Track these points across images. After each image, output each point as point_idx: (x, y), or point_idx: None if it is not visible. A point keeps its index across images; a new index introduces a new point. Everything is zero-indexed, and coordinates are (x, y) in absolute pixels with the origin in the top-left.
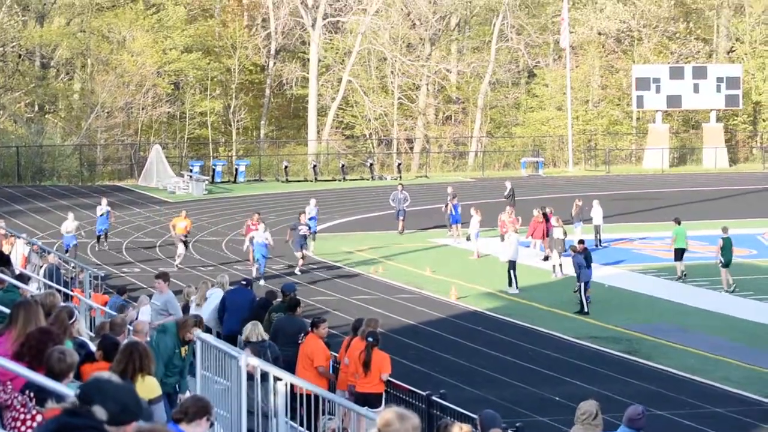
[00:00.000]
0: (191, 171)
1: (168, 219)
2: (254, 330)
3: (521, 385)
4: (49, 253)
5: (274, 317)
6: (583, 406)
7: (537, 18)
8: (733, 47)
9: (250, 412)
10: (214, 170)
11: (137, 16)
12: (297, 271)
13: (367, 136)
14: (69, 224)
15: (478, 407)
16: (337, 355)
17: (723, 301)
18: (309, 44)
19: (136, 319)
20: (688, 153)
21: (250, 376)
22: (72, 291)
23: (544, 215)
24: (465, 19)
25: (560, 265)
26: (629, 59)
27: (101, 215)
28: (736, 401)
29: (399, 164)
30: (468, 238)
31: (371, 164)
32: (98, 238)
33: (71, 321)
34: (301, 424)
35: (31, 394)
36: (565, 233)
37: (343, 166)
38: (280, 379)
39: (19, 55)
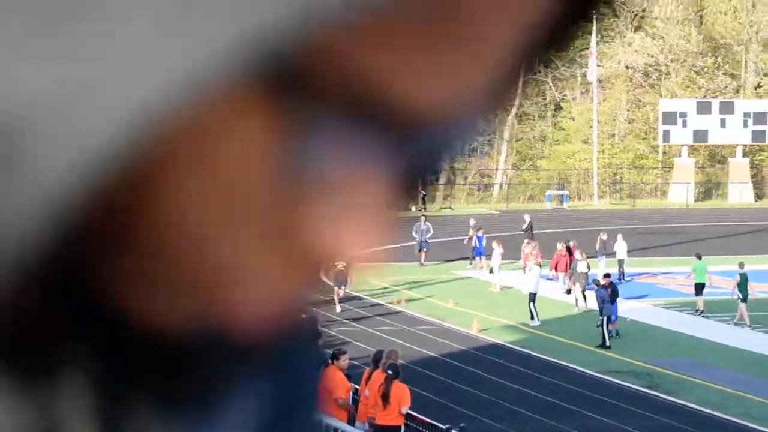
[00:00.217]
0: None
1: None
2: None
3: (541, 419)
4: None
5: None
6: None
7: (565, 51)
8: (760, 83)
9: None
10: None
11: None
12: (337, 308)
13: None
14: None
15: None
16: (358, 387)
17: (745, 336)
18: None
19: None
20: (713, 188)
21: None
22: None
23: (568, 249)
24: None
25: (585, 298)
26: (656, 93)
27: None
28: None
29: (423, 195)
30: (491, 271)
31: None
32: None
33: None
34: None
35: None
36: (588, 267)
37: None
38: None
39: None
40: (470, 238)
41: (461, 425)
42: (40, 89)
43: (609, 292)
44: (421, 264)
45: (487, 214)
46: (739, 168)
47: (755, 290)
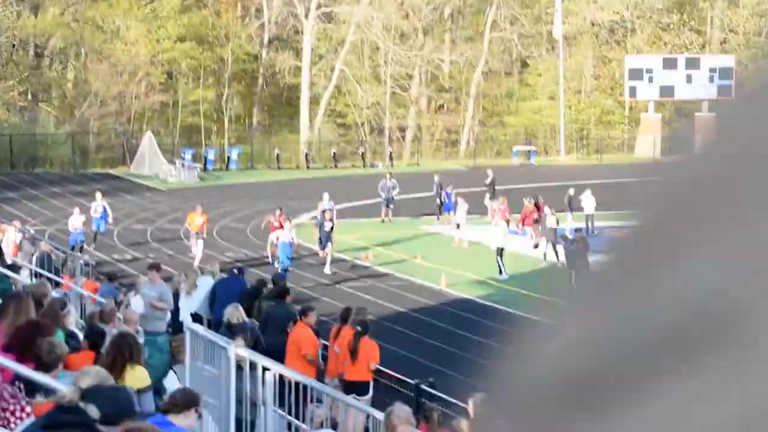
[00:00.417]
0: (183, 158)
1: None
2: (235, 312)
3: None
4: (41, 240)
5: (265, 305)
6: None
7: (530, 8)
8: (726, 38)
9: (238, 401)
10: (206, 158)
11: (131, 6)
12: (327, 270)
13: (360, 125)
14: (75, 220)
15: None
16: (326, 342)
17: None
18: (302, 34)
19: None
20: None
21: (239, 366)
22: (62, 278)
23: (536, 204)
24: (458, 10)
25: (556, 253)
26: (622, 50)
27: (97, 217)
28: None
29: (390, 152)
30: (458, 226)
31: (363, 152)
32: (95, 236)
33: (63, 311)
34: (289, 413)
35: (21, 386)
36: (557, 222)
37: (334, 153)
38: (268, 369)
39: (13, 45)
40: (440, 196)
41: (430, 380)
42: None
43: (580, 246)
44: (388, 220)
45: (455, 170)
46: (705, 122)
47: None
